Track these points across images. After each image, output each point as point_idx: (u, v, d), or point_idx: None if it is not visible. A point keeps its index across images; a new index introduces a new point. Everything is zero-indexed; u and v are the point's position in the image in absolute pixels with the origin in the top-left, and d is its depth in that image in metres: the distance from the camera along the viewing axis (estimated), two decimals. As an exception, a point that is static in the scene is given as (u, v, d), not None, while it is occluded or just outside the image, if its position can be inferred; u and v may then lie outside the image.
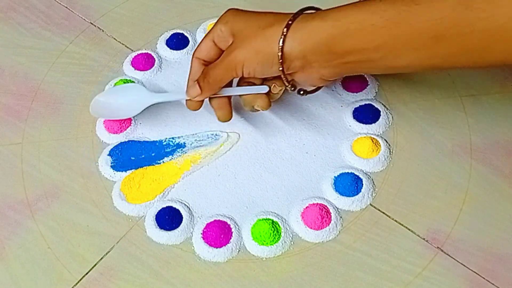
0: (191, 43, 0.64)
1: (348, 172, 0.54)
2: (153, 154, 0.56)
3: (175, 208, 0.53)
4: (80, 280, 0.50)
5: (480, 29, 0.41)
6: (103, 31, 0.66)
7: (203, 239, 0.51)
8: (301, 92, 0.53)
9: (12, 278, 0.50)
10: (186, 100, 0.54)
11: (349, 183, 0.53)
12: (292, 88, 0.51)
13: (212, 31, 0.52)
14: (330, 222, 0.52)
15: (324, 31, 0.46)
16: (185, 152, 0.57)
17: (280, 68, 0.48)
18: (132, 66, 0.62)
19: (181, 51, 0.64)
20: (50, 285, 0.49)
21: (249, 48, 0.49)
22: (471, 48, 0.43)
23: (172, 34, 0.65)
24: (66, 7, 0.68)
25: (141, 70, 0.62)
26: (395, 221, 0.52)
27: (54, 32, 0.66)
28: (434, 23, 0.42)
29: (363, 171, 0.55)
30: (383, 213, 0.53)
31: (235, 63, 0.49)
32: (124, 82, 0.61)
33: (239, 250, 0.51)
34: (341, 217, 0.52)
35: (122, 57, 0.63)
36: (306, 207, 0.52)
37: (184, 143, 0.57)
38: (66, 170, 0.56)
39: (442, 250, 0.51)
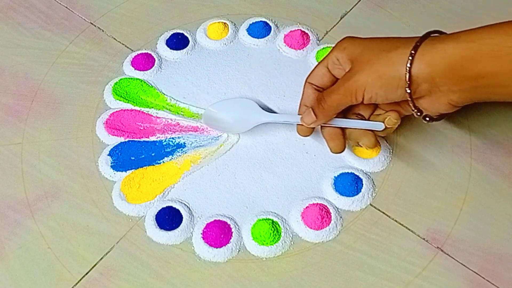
0: (191, 43, 0.64)
1: (348, 172, 0.54)
2: (153, 154, 0.56)
3: (175, 208, 0.53)
4: (80, 280, 0.50)
5: None
6: (103, 31, 0.66)
7: (203, 239, 0.51)
8: (427, 119, 0.49)
9: (12, 278, 0.50)
10: (298, 126, 0.53)
11: (349, 183, 0.53)
12: (419, 114, 0.49)
13: (327, 57, 0.51)
14: (330, 222, 0.52)
15: (456, 53, 0.44)
16: (185, 152, 0.57)
17: (408, 91, 0.46)
18: (132, 66, 0.62)
19: (181, 51, 0.64)
20: (50, 285, 0.49)
21: (372, 72, 0.47)
22: None
23: (172, 34, 0.65)
24: (66, 7, 0.68)
25: (141, 70, 0.62)
26: (395, 221, 0.52)
27: (54, 32, 0.66)
28: None
29: (363, 171, 0.55)
30: (383, 213, 0.53)
31: (356, 87, 0.48)
32: (125, 82, 0.61)
33: (239, 250, 0.51)
34: (341, 217, 0.52)
35: (122, 57, 0.63)
36: (306, 207, 0.52)
37: (184, 143, 0.57)
38: (66, 170, 0.56)
39: (442, 250, 0.51)
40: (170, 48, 0.64)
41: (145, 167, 0.55)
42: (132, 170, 0.55)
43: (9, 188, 0.55)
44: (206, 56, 0.63)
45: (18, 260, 0.51)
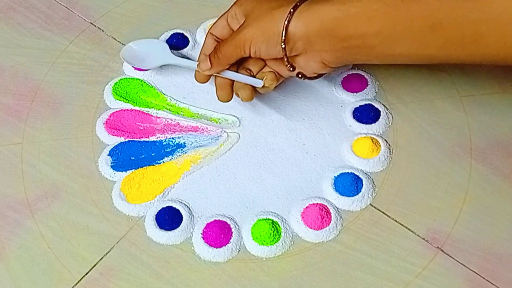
0: (191, 43, 0.64)
1: (348, 172, 0.54)
2: (153, 154, 0.56)
3: (175, 208, 0.53)
4: (80, 280, 0.50)
5: (475, 19, 0.42)
6: (103, 31, 0.66)
7: (203, 239, 0.51)
8: (299, 76, 0.53)
9: (12, 278, 0.50)
10: (196, 72, 0.56)
11: (349, 183, 0.53)
12: (291, 69, 0.52)
13: (228, 11, 0.54)
14: (330, 222, 0.52)
15: (329, 14, 0.47)
16: (185, 152, 0.57)
17: (283, 46, 0.49)
18: (132, 66, 0.62)
19: (181, 51, 0.63)
20: (50, 285, 0.49)
21: (257, 27, 0.50)
22: (466, 38, 0.44)
23: (172, 34, 0.65)
24: (66, 7, 0.68)
25: (141, 70, 0.62)
26: (395, 221, 0.52)
27: (54, 32, 0.66)
28: (432, 11, 0.43)
29: (363, 171, 0.55)
30: (383, 213, 0.53)
31: (243, 40, 0.51)
32: (125, 82, 0.61)
33: (239, 250, 0.51)
34: (341, 217, 0.52)
35: (122, 57, 0.63)
36: (306, 207, 0.52)
37: (184, 143, 0.57)
38: (66, 170, 0.56)
39: (442, 250, 0.51)
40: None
41: (145, 167, 0.55)
42: (132, 170, 0.55)
43: (9, 188, 0.55)
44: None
45: (18, 260, 0.51)
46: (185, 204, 0.53)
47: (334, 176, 0.54)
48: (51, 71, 0.62)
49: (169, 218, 0.52)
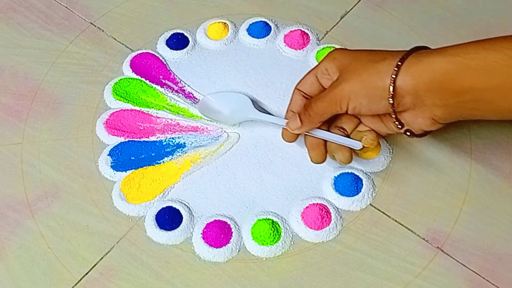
0: (191, 43, 0.64)
1: (348, 172, 0.54)
2: (153, 154, 0.56)
3: (175, 208, 0.53)
4: (80, 280, 0.50)
5: None
6: (103, 31, 0.66)
7: (203, 239, 0.51)
8: (408, 134, 0.49)
9: (12, 278, 0.50)
10: (283, 130, 0.53)
11: (349, 183, 0.53)
12: (400, 127, 0.49)
13: (317, 67, 0.51)
14: (330, 222, 0.52)
15: (441, 66, 0.44)
16: (185, 152, 0.57)
17: (391, 101, 0.46)
18: (134, 72, 0.62)
19: (181, 51, 0.64)
20: (50, 285, 0.49)
21: (358, 81, 0.47)
22: None
23: (172, 34, 0.65)
24: (66, 7, 0.68)
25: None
26: (395, 221, 0.52)
27: (54, 32, 0.66)
28: None
29: (363, 171, 0.55)
30: (383, 213, 0.53)
31: (341, 96, 0.48)
32: (125, 82, 0.61)
33: (239, 250, 0.51)
34: (341, 217, 0.52)
35: (122, 57, 0.63)
36: (306, 207, 0.52)
37: (184, 143, 0.57)
38: (66, 170, 0.56)
39: (442, 250, 0.51)
40: (170, 48, 0.64)
41: (145, 167, 0.55)
42: (132, 170, 0.55)
43: (9, 188, 0.55)
44: (206, 56, 0.63)
45: (18, 260, 0.51)
46: (185, 204, 0.53)
47: (334, 176, 0.54)
48: (51, 71, 0.62)
49: (169, 218, 0.52)
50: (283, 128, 0.53)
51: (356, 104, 0.48)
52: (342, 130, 0.51)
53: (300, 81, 0.53)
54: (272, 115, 0.56)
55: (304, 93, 0.52)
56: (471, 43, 0.44)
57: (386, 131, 0.51)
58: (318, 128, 0.51)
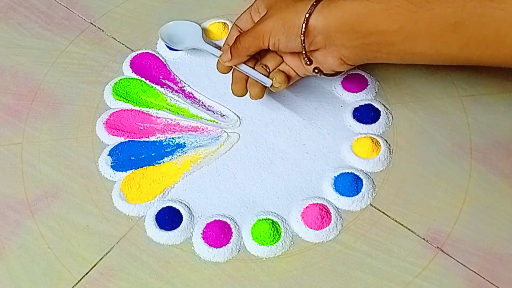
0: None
1: (348, 172, 0.54)
2: (153, 154, 0.56)
3: (175, 208, 0.53)
4: (80, 280, 0.50)
5: (499, 19, 0.42)
6: (103, 31, 0.66)
7: (203, 239, 0.51)
8: (316, 71, 0.52)
9: (12, 278, 0.50)
10: (217, 62, 0.56)
11: (349, 183, 0.53)
12: (308, 62, 0.51)
13: (252, 5, 0.55)
14: (330, 222, 0.52)
15: (351, 9, 0.47)
16: (185, 152, 0.57)
17: (302, 38, 0.49)
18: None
19: (181, 51, 0.63)
20: (50, 285, 0.49)
21: (278, 18, 0.50)
22: (488, 38, 0.43)
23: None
24: (66, 7, 0.68)
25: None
26: (395, 221, 0.52)
27: (54, 32, 0.66)
28: (455, 10, 0.43)
29: (363, 171, 0.55)
30: (383, 213, 0.53)
31: (263, 31, 0.51)
32: (125, 82, 0.61)
33: (239, 250, 0.51)
34: (341, 217, 0.52)
35: (122, 57, 0.63)
36: (306, 207, 0.52)
37: (184, 143, 0.57)
38: (66, 170, 0.56)
39: (442, 250, 0.51)
40: (170, 48, 0.63)
41: (145, 167, 0.55)
42: (132, 170, 0.55)
43: (9, 188, 0.55)
44: (206, 56, 0.63)
45: (18, 260, 0.51)
46: (185, 204, 0.53)
47: (334, 176, 0.54)
48: (51, 71, 0.62)
49: (169, 218, 0.52)
50: (217, 60, 0.56)
51: (275, 40, 0.51)
52: (265, 68, 0.55)
53: (238, 17, 0.57)
54: (218, 48, 0.60)
55: (240, 29, 0.56)
56: None
57: (304, 72, 0.54)
58: (246, 63, 0.55)
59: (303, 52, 0.50)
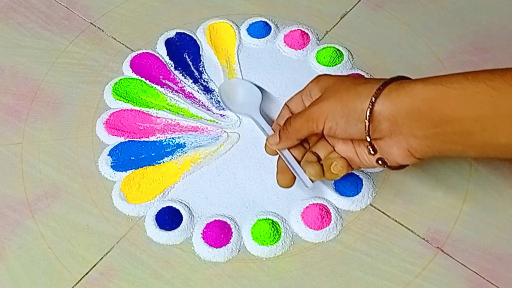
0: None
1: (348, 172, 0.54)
2: (153, 154, 0.56)
3: (175, 208, 0.53)
4: (80, 280, 0.50)
5: None
6: (103, 31, 0.66)
7: (203, 239, 0.51)
8: (380, 162, 0.47)
9: (12, 278, 0.50)
10: (265, 144, 0.52)
11: (349, 183, 0.53)
12: (372, 152, 0.46)
13: (304, 88, 0.51)
14: (330, 222, 0.52)
15: (423, 93, 0.42)
16: (185, 152, 0.57)
17: (367, 124, 0.44)
18: (134, 72, 0.62)
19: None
20: (50, 285, 0.49)
21: (337, 101, 0.46)
22: None
23: (176, 33, 0.65)
24: (66, 7, 0.68)
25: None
26: (395, 221, 0.52)
27: (54, 32, 0.66)
28: None
29: (363, 171, 0.55)
30: (383, 213, 0.53)
31: (319, 114, 0.47)
32: (125, 82, 0.61)
33: (239, 250, 0.51)
34: (341, 217, 0.53)
35: (122, 57, 0.63)
36: (306, 207, 0.52)
37: (184, 143, 0.57)
38: (66, 170, 0.56)
39: (442, 250, 0.51)
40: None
41: (145, 167, 0.55)
42: (132, 170, 0.55)
43: (9, 188, 0.55)
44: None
45: (18, 260, 0.51)
46: (185, 204, 0.53)
47: (334, 176, 0.54)
48: (51, 71, 0.62)
49: (169, 218, 0.52)
50: (265, 142, 0.52)
51: (333, 124, 0.46)
52: (315, 155, 0.50)
53: (291, 98, 0.52)
54: (268, 122, 0.55)
55: (291, 110, 0.52)
56: (455, 74, 0.43)
57: (358, 163, 0.49)
58: (296, 148, 0.50)
59: (368, 139, 0.45)
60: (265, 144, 0.52)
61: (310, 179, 0.49)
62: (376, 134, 0.45)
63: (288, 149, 0.50)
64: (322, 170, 0.49)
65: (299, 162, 0.50)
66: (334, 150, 0.50)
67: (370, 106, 0.44)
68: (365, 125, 0.44)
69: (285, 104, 0.53)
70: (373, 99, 0.44)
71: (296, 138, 0.49)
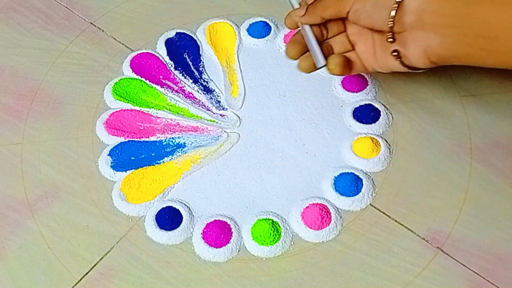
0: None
1: (348, 172, 0.54)
2: (153, 154, 0.56)
3: (175, 208, 0.53)
4: (80, 280, 0.50)
5: None
6: (103, 31, 0.66)
7: (203, 239, 0.51)
8: (395, 53, 0.46)
9: (12, 278, 0.50)
10: (287, 15, 0.51)
11: (349, 183, 0.53)
12: (391, 39, 0.46)
13: None
14: (330, 222, 0.52)
15: None
16: (185, 152, 0.57)
17: (393, 14, 0.44)
18: (134, 72, 0.62)
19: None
20: (50, 285, 0.49)
21: None
22: None
23: (176, 33, 0.65)
24: (66, 7, 0.68)
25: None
26: (395, 221, 0.52)
27: (54, 32, 0.66)
28: None
29: (363, 171, 0.55)
30: (383, 213, 0.53)
31: None
32: (125, 82, 0.61)
33: (239, 250, 0.51)
34: (341, 217, 0.52)
35: (122, 57, 0.63)
36: (306, 207, 0.52)
37: (184, 143, 0.57)
38: (66, 170, 0.56)
39: (442, 250, 0.51)
40: None
41: (145, 167, 0.55)
42: (132, 170, 0.55)
43: (9, 188, 0.55)
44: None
45: (18, 260, 0.51)
46: (185, 204, 0.53)
47: (334, 176, 0.54)
48: (51, 71, 0.62)
49: (169, 218, 0.52)
50: (289, 12, 0.51)
51: (360, 7, 0.46)
52: (330, 48, 0.50)
53: None
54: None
55: None
56: None
57: (372, 65, 0.49)
58: (315, 28, 0.50)
59: (390, 25, 0.44)
60: (287, 16, 0.51)
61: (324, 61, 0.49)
62: (398, 25, 0.45)
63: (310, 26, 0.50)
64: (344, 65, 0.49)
65: (318, 42, 0.49)
66: (353, 49, 0.50)
67: None
68: (391, 12, 0.44)
69: None
70: None
71: (321, 15, 0.49)
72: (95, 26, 0.66)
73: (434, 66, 0.46)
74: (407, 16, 0.44)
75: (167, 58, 0.63)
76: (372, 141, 0.55)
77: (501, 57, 0.42)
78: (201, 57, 0.64)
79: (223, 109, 0.59)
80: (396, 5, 0.44)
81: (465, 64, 0.45)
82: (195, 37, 0.65)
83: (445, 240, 0.51)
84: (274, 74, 0.62)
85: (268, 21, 0.65)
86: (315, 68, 0.50)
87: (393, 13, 0.44)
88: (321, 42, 0.50)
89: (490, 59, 0.43)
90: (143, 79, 0.62)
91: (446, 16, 0.42)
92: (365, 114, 0.58)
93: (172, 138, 0.57)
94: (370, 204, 0.53)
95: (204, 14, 0.67)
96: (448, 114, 0.58)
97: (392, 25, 0.45)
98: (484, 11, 0.41)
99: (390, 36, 0.46)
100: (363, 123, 0.57)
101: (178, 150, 0.57)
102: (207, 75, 0.62)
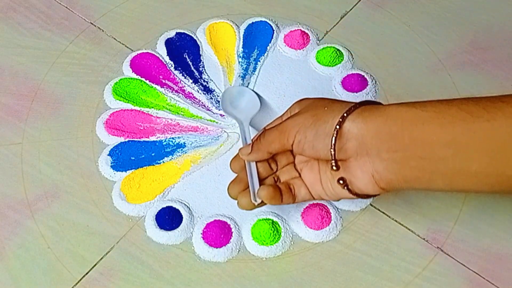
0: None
1: (348, 172, 0.54)
2: (153, 154, 0.56)
3: (175, 208, 0.53)
4: (80, 280, 0.50)
5: None
6: (103, 31, 0.66)
7: (203, 239, 0.51)
8: (341, 182, 0.45)
9: (12, 278, 0.50)
10: (234, 156, 0.51)
11: (349, 183, 0.53)
12: (335, 168, 0.44)
13: (286, 110, 0.50)
14: (330, 222, 0.52)
15: (395, 114, 0.42)
16: (185, 152, 0.57)
17: (333, 141, 0.43)
18: (134, 72, 0.62)
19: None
20: (50, 285, 0.49)
21: (310, 115, 0.45)
22: None
23: (176, 33, 0.65)
24: (66, 7, 0.68)
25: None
26: (395, 221, 0.52)
27: (54, 32, 0.66)
28: None
29: (363, 171, 0.55)
30: (383, 213, 0.53)
31: (291, 126, 0.46)
32: (125, 82, 0.61)
33: (239, 250, 0.51)
34: (341, 217, 0.53)
35: (122, 57, 0.63)
36: (306, 207, 0.52)
37: (184, 143, 0.57)
38: (66, 170, 0.56)
39: (442, 250, 0.51)
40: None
41: (145, 167, 0.55)
42: (132, 170, 0.55)
43: (9, 188, 0.55)
44: (206, 56, 0.63)
45: (18, 260, 0.51)
46: (185, 204, 0.53)
47: (334, 176, 0.54)
48: (51, 71, 0.62)
49: (169, 218, 0.52)
50: (233, 157, 0.51)
51: (302, 137, 0.45)
52: (275, 179, 0.49)
53: (271, 122, 0.52)
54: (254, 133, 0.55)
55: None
56: (430, 100, 0.42)
57: (319, 193, 0.48)
58: (263, 165, 0.49)
59: (332, 152, 0.44)
60: (233, 157, 0.51)
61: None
62: (342, 153, 0.44)
63: (256, 164, 0.49)
64: (280, 193, 0.48)
65: (259, 179, 0.49)
66: (300, 176, 0.49)
67: (340, 120, 0.43)
68: (332, 140, 0.43)
69: (264, 128, 0.51)
70: (345, 114, 0.43)
71: (267, 150, 0.48)
72: (95, 26, 0.66)
73: (386, 192, 0.45)
74: (349, 142, 0.43)
75: (167, 58, 0.63)
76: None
77: (452, 177, 0.41)
78: (201, 57, 0.64)
79: (223, 109, 0.60)
80: (336, 132, 0.43)
81: (418, 189, 0.44)
82: (195, 37, 0.65)
83: (445, 240, 0.51)
84: (274, 74, 0.62)
85: (268, 21, 0.65)
86: (254, 205, 0.48)
87: (333, 140, 0.43)
88: (268, 176, 0.49)
89: (441, 181, 0.42)
90: (143, 79, 0.62)
91: (386, 141, 0.42)
92: (365, 114, 0.58)
93: (172, 138, 0.57)
94: (370, 204, 0.53)
95: (204, 14, 0.67)
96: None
97: (333, 152, 0.44)
98: (423, 133, 0.41)
99: (334, 164, 0.44)
100: (363, 123, 0.57)
101: (178, 150, 0.57)
102: (207, 75, 0.62)
